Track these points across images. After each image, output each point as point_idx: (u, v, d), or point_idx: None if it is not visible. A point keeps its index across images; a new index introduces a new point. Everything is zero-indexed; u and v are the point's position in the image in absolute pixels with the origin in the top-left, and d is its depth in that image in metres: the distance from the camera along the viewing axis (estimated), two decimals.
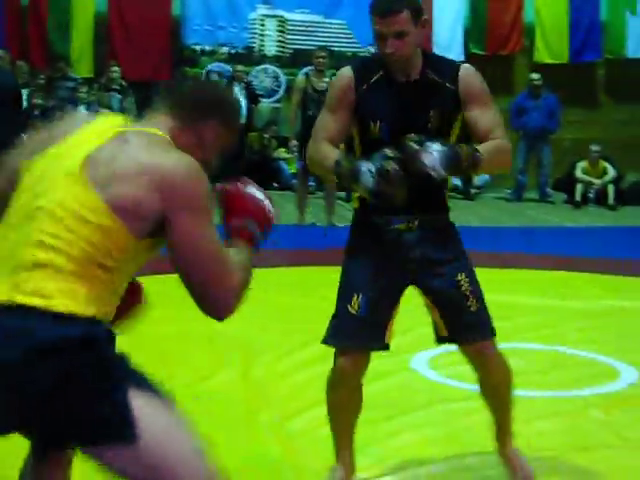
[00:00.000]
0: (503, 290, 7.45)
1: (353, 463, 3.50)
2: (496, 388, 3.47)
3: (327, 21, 13.88)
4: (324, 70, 10.66)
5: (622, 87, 14.56)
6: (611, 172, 13.31)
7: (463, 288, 3.28)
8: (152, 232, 2.19)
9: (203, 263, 2.20)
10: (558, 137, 13.68)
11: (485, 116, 3.22)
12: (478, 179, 14.39)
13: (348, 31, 13.87)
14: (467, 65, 3.33)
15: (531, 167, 13.57)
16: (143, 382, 2.17)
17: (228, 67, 13.49)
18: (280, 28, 13.98)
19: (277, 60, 14.07)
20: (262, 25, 14.00)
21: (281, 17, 13.94)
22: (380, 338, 3.32)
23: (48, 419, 2.11)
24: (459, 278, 3.27)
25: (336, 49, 13.54)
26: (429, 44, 14.27)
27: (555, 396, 4.84)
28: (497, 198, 13.82)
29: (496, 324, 3.41)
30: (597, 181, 13.25)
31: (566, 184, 13.59)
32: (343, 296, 3.31)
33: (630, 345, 5.78)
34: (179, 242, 2.18)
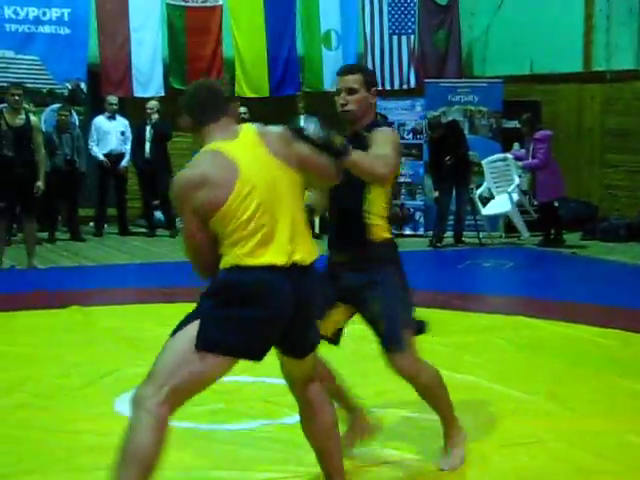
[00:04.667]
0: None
1: None
2: (425, 390, 4.13)
3: (19, 57, 13.30)
4: (20, 107, 10.20)
5: None
6: None
7: (375, 310, 4.03)
8: None
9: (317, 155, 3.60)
10: None
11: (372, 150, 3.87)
12: None
13: (42, 67, 13.38)
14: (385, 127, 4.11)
15: None
16: None
17: None
18: None
19: None
20: None
21: None
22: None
23: None
24: (372, 303, 4.04)
25: (30, 85, 12.94)
26: (129, 80, 14.09)
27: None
28: None
29: None
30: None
31: None
32: None
33: None
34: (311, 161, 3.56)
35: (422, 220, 13.83)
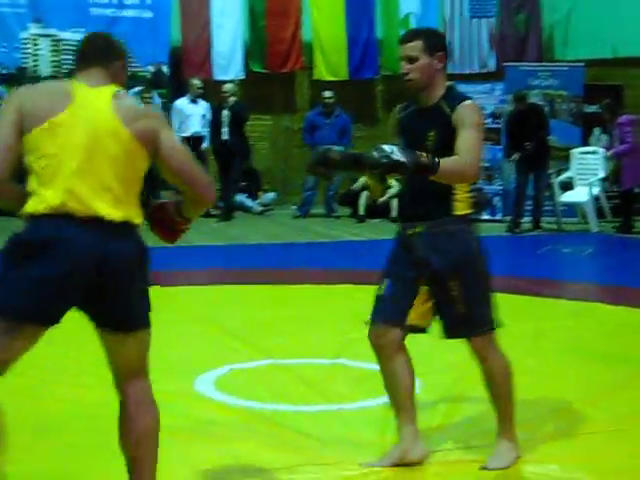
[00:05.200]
0: (290, 305, 7.45)
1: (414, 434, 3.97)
2: (489, 379, 3.92)
3: None
4: None
5: (399, 102, 14.91)
6: (396, 185, 13.55)
7: (453, 293, 3.77)
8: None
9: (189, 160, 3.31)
10: None
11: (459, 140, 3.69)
12: (265, 197, 14.42)
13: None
14: (468, 101, 3.82)
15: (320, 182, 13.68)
16: None
17: (1, 89, 12.98)
18: (54, 48, 13.53)
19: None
20: (35, 45, 13.52)
21: (55, 36, 13.48)
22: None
23: None
24: (451, 284, 3.77)
25: None
26: (209, 63, 14.23)
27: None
28: (284, 215, 13.87)
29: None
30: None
31: (351, 198, 13.78)
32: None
33: None
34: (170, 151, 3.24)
35: (500, 205, 13.75)
